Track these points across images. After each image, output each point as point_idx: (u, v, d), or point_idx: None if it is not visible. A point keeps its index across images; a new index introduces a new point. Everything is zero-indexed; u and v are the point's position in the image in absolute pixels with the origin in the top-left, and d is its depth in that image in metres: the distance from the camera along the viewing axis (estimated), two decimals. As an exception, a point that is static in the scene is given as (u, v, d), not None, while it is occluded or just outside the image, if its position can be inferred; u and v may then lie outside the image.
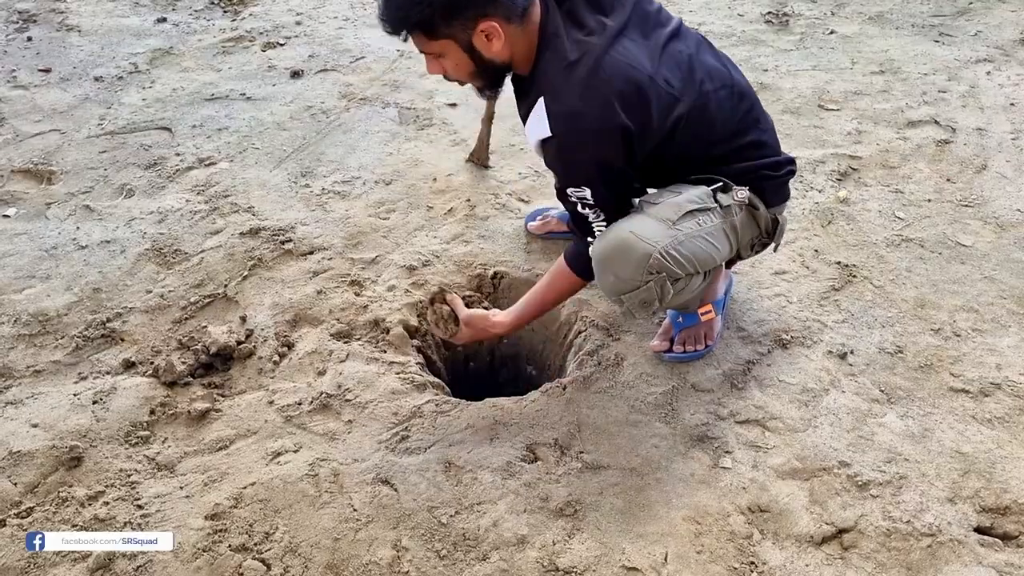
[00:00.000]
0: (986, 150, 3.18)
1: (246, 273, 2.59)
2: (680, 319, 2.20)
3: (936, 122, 3.40)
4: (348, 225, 2.83)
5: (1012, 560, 1.72)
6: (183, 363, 2.21)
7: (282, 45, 4.31)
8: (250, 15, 4.68)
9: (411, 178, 3.11)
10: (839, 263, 2.57)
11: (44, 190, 3.09)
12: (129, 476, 1.94)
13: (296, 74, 3.97)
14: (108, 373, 2.24)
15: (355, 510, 1.84)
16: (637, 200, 1.98)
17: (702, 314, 2.16)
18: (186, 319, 2.42)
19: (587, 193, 1.85)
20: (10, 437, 2.02)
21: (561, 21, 1.82)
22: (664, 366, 2.20)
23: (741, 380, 2.16)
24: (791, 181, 2.12)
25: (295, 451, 1.99)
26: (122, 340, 2.36)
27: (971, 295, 2.45)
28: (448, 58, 1.82)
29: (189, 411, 2.10)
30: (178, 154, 3.30)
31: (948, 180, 3.01)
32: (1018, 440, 1.99)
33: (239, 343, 2.29)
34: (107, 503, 1.86)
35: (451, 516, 1.83)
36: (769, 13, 4.56)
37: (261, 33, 4.44)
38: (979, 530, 1.79)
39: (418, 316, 2.43)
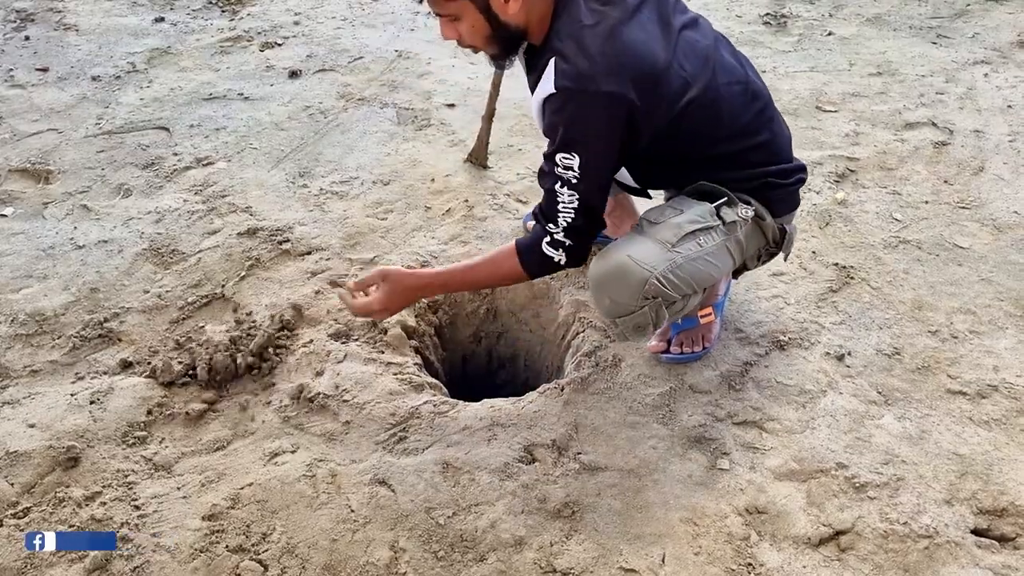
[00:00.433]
0: (983, 152, 3.19)
1: (244, 273, 2.59)
2: (679, 320, 2.20)
3: (934, 124, 3.40)
4: (346, 225, 2.83)
5: (1009, 562, 1.72)
6: (180, 363, 2.21)
7: (280, 45, 4.31)
8: (248, 15, 4.67)
9: (409, 178, 3.11)
10: (837, 265, 2.58)
11: (41, 190, 3.09)
12: (126, 476, 1.94)
13: (294, 74, 3.97)
14: (105, 373, 2.23)
15: (352, 511, 1.84)
16: (640, 218, 1.95)
17: (701, 317, 2.16)
18: (183, 319, 2.42)
19: (575, 163, 1.78)
20: (7, 437, 2.02)
21: None
22: (662, 367, 2.20)
23: (739, 381, 2.16)
24: (802, 189, 2.08)
25: (292, 452, 1.99)
26: (119, 340, 2.35)
27: (968, 297, 2.45)
28: (464, 20, 1.78)
29: (186, 412, 2.10)
30: (176, 154, 3.29)
31: (945, 182, 3.02)
32: (1015, 442, 1.99)
33: (236, 344, 2.29)
34: (104, 503, 1.86)
35: (449, 517, 1.83)
36: (767, 14, 4.56)
37: (259, 33, 4.44)
38: (976, 532, 1.80)
39: (416, 317, 2.43)
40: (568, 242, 1.89)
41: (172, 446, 2.03)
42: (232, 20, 4.61)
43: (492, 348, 2.66)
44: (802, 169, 2.05)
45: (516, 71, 2.10)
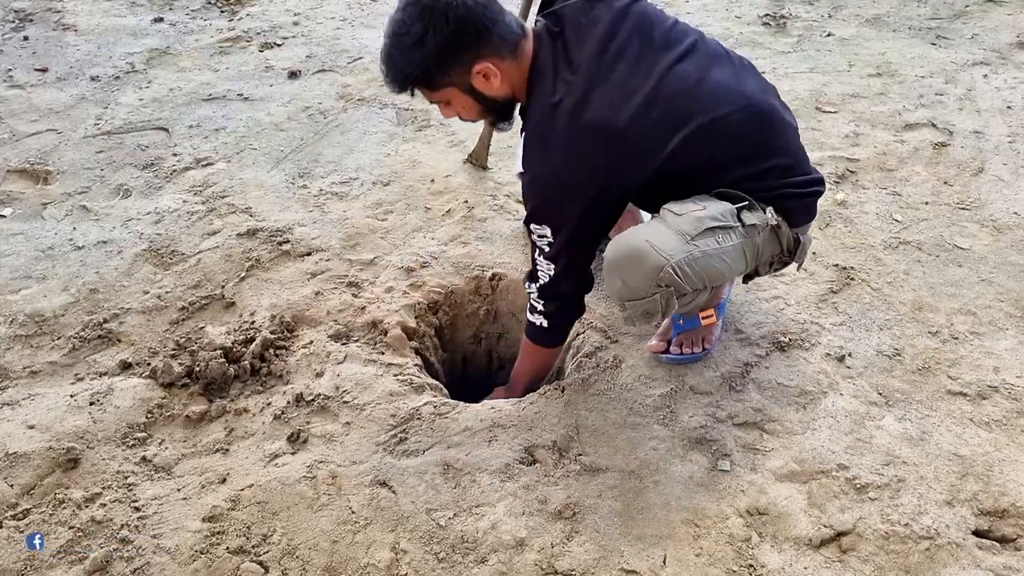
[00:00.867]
0: (983, 153, 3.19)
1: (243, 274, 2.58)
2: (680, 321, 2.20)
3: (933, 125, 3.41)
4: (346, 226, 2.82)
5: (1010, 563, 1.72)
6: (180, 364, 2.21)
7: (279, 45, 4.31)
8: (247, 15, 4.67)
9: (409, 179, 3.11)
10: (837, 266, 2.58)
11: (40, 190, 3.09)
12: (126, 478, 1.93)
13: (294, 74, 3.97)
14: (105, 374, 2.23)
15: (353, 512, 1.84)
16: (662, 207, 1.94)
17: (703, 318, 2.15)
18: (183, 320, 2.42)
19: (547, 232, 1.91)
20: (6, 438, 2.01)
21: (551, 56, 1.84)
22: (662, 368, 2.20)
23: (739, 382, 2.16)
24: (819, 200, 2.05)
25: (293, 453, 1.99)
26: (119, 341, 2.35)
27: (968, 298, 2.45)
28: (455, 103, 1.89)
29: (187, 413, 2.09)
30: (175, 154, 3.29)
31: (945, 183, 3.02)
32: (1016, 443, 1.99)
33: (235, 345, 2.28)
34: (104, 505, 1.86)
35: (449, 518, 1.82)
36: (767, 15, 4.56)
37: (258, 33, 4.44)
38: (977, 533, 1.80)
39: (416, 318, 2.43)
40: (542, 305, 2.04)
41: (172, 447, 2.02)
42: (231, 20, 4.61)
43: (492, 349, 2.66)
44: (819, 182, 2.00)
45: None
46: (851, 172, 3.09)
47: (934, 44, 4.18)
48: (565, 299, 2.05)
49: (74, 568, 1.73)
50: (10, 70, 3.98)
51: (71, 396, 2.15)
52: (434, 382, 2.27)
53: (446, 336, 2.58)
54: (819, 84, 3.77)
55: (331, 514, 1.83)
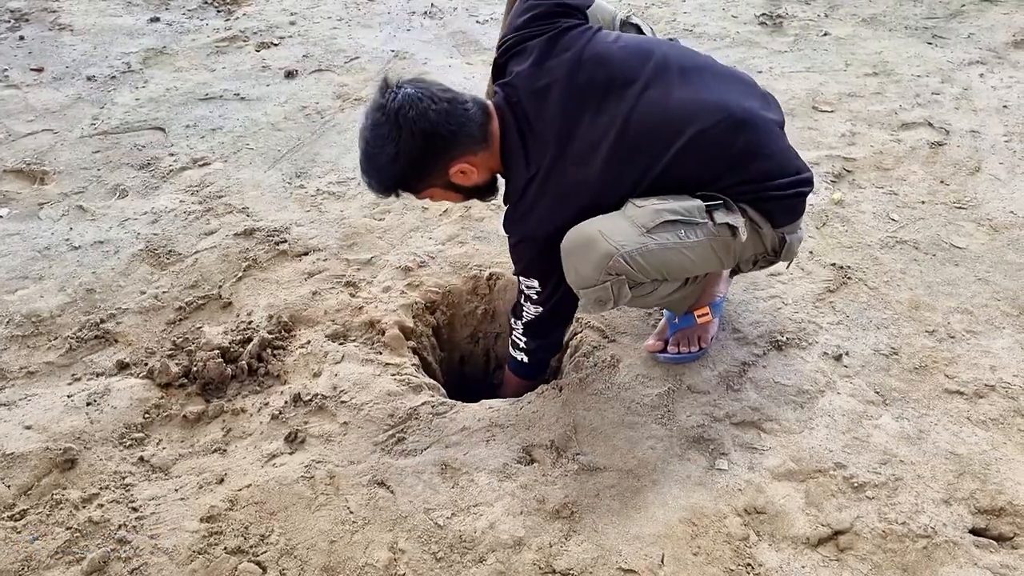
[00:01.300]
0: (979, 152, 3.20)
1: (240, 274, 2.58)
2: (676, 320, 2.20)
3: (930, 124, 3.41)
4: (343, 226, 2.82)
5: (1007, 561, 1.72)
6: (177, 364, 2.20)
7: (276, 45, 4.30)
8: (244, 15, 4.67)
9: (406, 179, 3.10)
10: (834, 265, 2.58)
11: (37, 190, 3.08)
12: (124, 478, 1.93)
13: (290, 74, 3.96)
14: (102, 374, 2.23)
15: (351, 512, 1.84)
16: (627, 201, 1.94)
17: (698, 316, 2.15)
18: (180, 320, 2.41)
19: (535, 284, 2.01)
20: (3, 439, 2.01)
21: (516, 132, 1.89)
22: (660, 368, 2.20)
23: (737, 382, 2.16)
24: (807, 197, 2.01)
25: (290, 453, 1.99)
26: (116, 341, 2.35)
27: (965, 297, 2.46)
28: (438, 197, 1.99)
29: (184, 413, 2.09)
30: (172, 154, 3.28)
31: (942, 182, 3.02)
32: (1012, 441, 2.00)
33: (233, 345, 2.28)
34: (101, 505, 1.85)
35: (447, 518, 1.82)
36: (763, 15, 4.57)
37: (255, 33, 4.43)
38: (974, 531, 1.80)
39: (414, 317, 2.43)
40: (524, 343, 2.15)
41: (170, 448, 2.02)
42: (228, 20, 4.61)
43: (490, 348, 2.66)
44: (804, 182, 1.95)
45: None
46: (848, 171, 3.09)
47: (930, 43, 4.18)
48: (548, 336, 2.17)
49: (72, 569, 1.72)
50: (6, 70, 3.97)
51: (68, 396, 2.14)
52: (432, 382, 2.27)
53: (444, 336, 2.58)
54: (816, 83, 3.77)
55: (329, 514, 1.83)
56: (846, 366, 2.22)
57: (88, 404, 2.11)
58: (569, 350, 2.38)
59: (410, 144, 1.78)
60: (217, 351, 2.23)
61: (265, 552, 1.76)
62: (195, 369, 2.19)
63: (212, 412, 2.11)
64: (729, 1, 4.77)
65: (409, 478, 1.92)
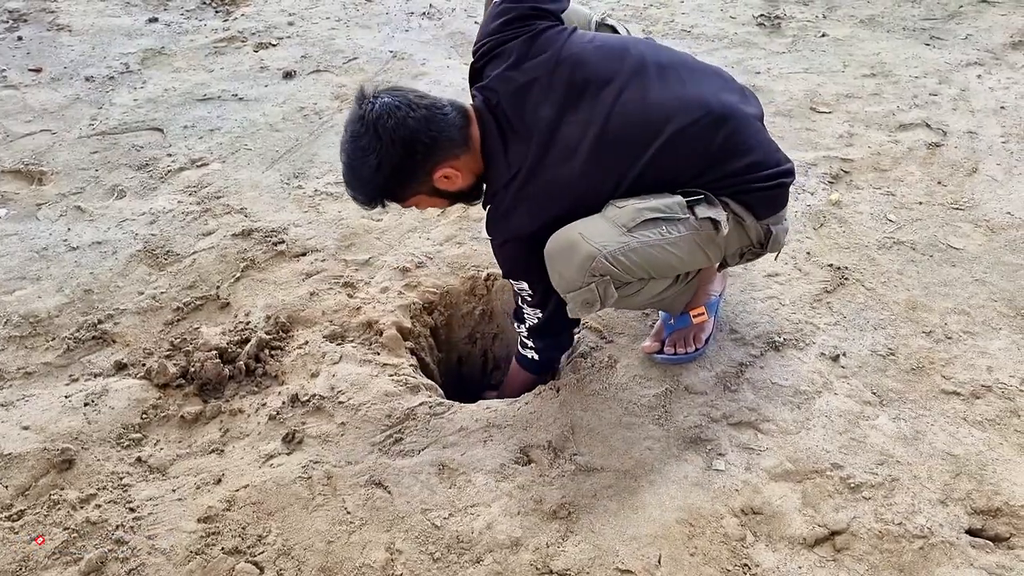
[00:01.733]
0: (977, 153, 3.20)
1: (238, 275, 2.58)
2: (672, 320, 2.20)
3: (927, 125, 3.42)
4: (341, 226, 2.82)
5: (1003, 562, 1.73)
6: (175, 365, 2.21)
7: (274, 46, 4.30)
8: (242, 15, 4.67)
9: (404, 179, 3.11)
10: (831, 265, 2.58)
11: (35, 191, 3.08)
12: (121, 479, 1.93)
13: (288, 75, 3.96)
14: (100, 375, 2.23)
15: (348, 512, 1.84)
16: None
17: (694, 316, 2.16)
18: (178, 321, 2.41)
19: (525, 286, 2.01)
20: (1, 440, 2.01)
21: (497, 133, 1.89)
22: (657, 368, 2.21)
23: (734, 382, 2.16)
24: (790, 189, 2.02)
25: (288, 454, 1.99)
26: (114, 342, 2.35)
27: (962, 297, 2.46)
28: (424, 204, 1.99)
29: (181, 414, 2.09)
30: (170, 155, 3.29)
31: (939, 183, 3.03)
32: (1009, 442, 2.00)
33: (230, 346, 2.28)
34: (99, 506, 1.86)
35: (445, 518, 1.83)
36: (761, 16, 4.57)
37: (253, 33, 4.43)
38: (970, 532, 1.80)
39: (411, 318, 2.43)
40: (532, 342, 2.15)
41: (167, 448, 2.02)
42: (226, 21, 4.61)
43: (488, 349, 2.66)
44: (785, 173, 1.96)
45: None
46: (845, 172, 3.10)
47: (928, 44, 4.19)
48: (556, 335, 2.16)
49: (69, 569, 1.72)
50: (4, 70, 3.97)
51: (66, 397, 2.14)
52: (429, 382, 2.27)
53: (441, 336, 2.58)
54: (814, 84, 3.78)
55: (326, 514, 1.84)
56: (843, 367, 2.22)
57: (86, 405, 2.11)
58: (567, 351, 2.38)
59: (391, 153, 1.78)
60: (215, 351, 2.23)
61: (262, 552, 1.76)
62: (193, 369, 2.19)
63: (210, 413, 2.11)
64: (727, 2, 4.78)
65: (406, 479, 1.92)
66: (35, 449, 1.98)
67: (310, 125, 3.51)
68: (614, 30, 2.18)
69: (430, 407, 2.11)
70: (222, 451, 2.01)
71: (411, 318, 2.44)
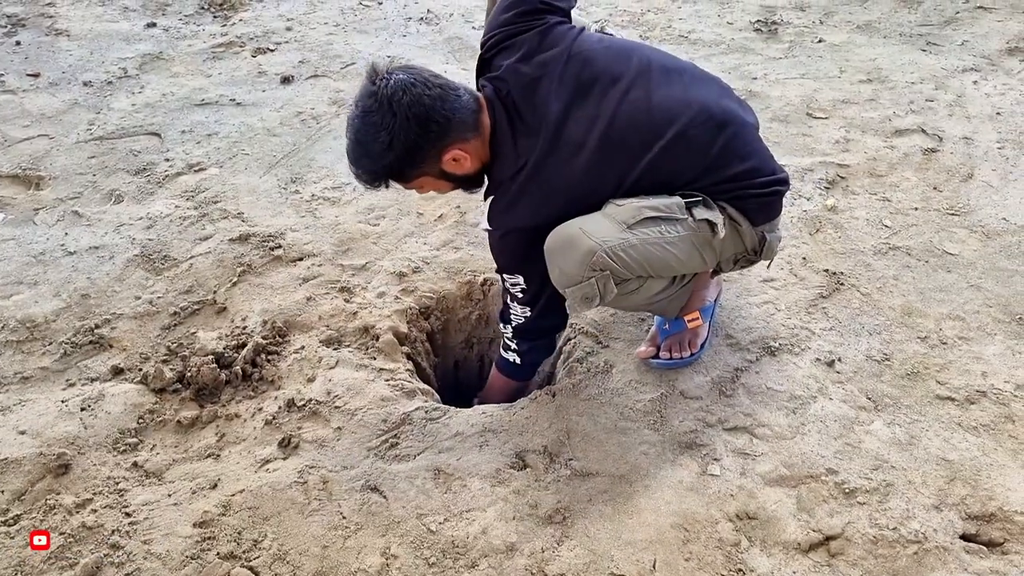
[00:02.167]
0: (972, 159, 3.21)
1: (235, 279, 2.59)
2: (667, 325, 2.21)
3: (923, 131, 3.43)
4: (338, 231, 2.83)
5: (997, 567, 1.73)
6: (172, 370, 2.21)
7: (272, 51, 4.31)
8: (240, 21, 4.67)
9: (401, 184, 3.11)
10: (827, 271, 2.59)
11: (32, 195, 3.08)
12: (117, 484, 1.93)
13: (286, 80, 3.97)
14: (96, 380, 2.23)
15: (344, 517, 1.84)
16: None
17: (689, 321, 2.16)
18: (175, 325, 2.42)
19: (520, 280, 2.00)
20: (-3, 444, 2.01)
21: (507, 123, 1.88)
22: (653, 374, 2.21)
23: (729, 387, 2.17)
24: (785, 198, 2.04)
25: (284, 458, 1.99)
26: (110, 347, 2.35)
27: (957, 303, 2.47)
28: (428, 186, 1.97)
29: (178, 419, 2.09)
30: (167, 160, 3.29)
31: (935, 188, 3.04)
32: (1003, 448, 2.00)
33: (227, 350, 2.28)
34: (95, 511, 1.86)
35: (440, 523, 1.83)
36: (758, 21, 4.58)
37: (251, 39, 4.44)
38: (965, 537, 1.81)
39: (408, 323, 2.44)
40: (516, 344, 2.13)
41: (163, 453, 2.02)
42: (224, 26, 4.61)
43: (484, 354, 2.66)
44: (780, 182, 1.98)
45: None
46: (841, 178, 3.11)
47: (924, 50, 4.20)
48: (540, 338, 2.15)
49: (65, 574, 1.72)
50: (2, 75, 3.98)
51: (62, 402, 2.15)
52: (425, 387, 2.28)
53: (438, 341, 2.59)
54: (810, 90, 3.79)
55: (322, 519, 1.84)
56: (838, 372, 2.22)
57: (82, 409, 2.12)
58: (563, 355, 2.39)
59: (405, 130, 1.76)
60: (211, 356, 2.23)
61: (258, 557, 1.76)
62: (189, 374, 2.19)
63: (206, 417, 2.11)
64: (724, 8, 4.79)
65: (402, 483, 1.92)
66: (31, 454, 1.98)
67: (307, 130, 3.52)
68: None
69: (426, 412, 2.12)
70: (218, 456, 2.01)
71: (407, 323, 2.44)
